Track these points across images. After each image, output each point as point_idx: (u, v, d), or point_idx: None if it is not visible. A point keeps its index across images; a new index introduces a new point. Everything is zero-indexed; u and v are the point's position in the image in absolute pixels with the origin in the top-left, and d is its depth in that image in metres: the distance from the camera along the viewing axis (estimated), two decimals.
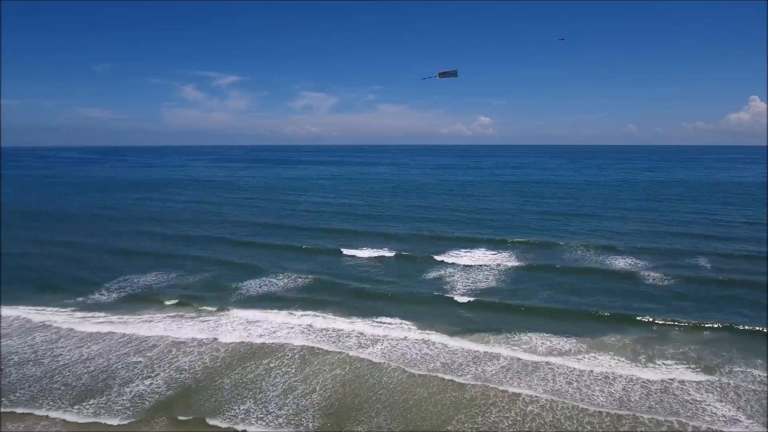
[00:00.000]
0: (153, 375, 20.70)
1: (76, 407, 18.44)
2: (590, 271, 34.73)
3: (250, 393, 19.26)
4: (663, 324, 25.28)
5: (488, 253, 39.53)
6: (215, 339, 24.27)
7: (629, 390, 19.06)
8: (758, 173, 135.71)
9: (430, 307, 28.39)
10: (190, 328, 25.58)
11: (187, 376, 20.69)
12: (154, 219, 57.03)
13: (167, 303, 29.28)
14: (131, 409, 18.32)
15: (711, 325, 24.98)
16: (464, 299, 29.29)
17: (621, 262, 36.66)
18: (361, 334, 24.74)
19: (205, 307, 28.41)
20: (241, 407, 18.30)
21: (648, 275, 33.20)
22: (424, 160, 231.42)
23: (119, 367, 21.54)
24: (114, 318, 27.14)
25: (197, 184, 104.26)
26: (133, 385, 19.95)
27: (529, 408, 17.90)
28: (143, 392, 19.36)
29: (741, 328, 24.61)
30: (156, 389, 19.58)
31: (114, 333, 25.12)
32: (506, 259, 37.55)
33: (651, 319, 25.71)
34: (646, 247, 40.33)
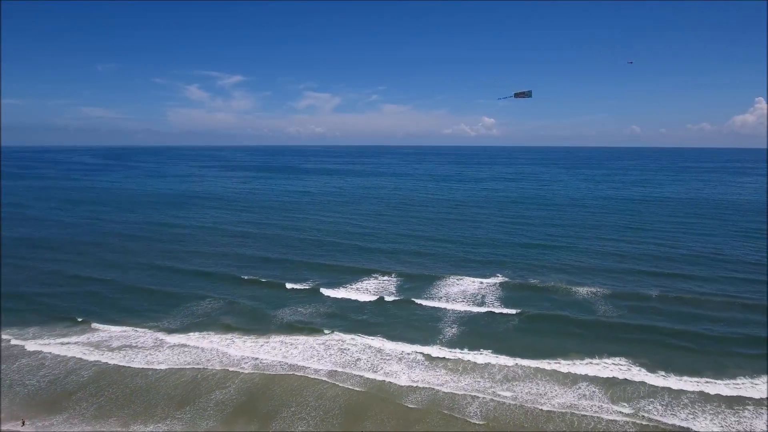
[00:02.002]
0: (226, 386, 29.92)
1: (179, 413, 27.58)
2: (552, 318, 40.41)
3: (294, 398, 28.65)
4: (601, 364, 32.58)
5: (468, 292, 46.28)
6: (257, 358, 33.66)
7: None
8: (755, 188, 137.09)
9: (416, 344, 35.88)
10: (240, 348, 34.99)
11: (251, 386, 30.12)
12: (171, 252, 62.50)
13: (219, 330, 38.64)
14: (218, 414, 27.52)
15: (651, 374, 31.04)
16: (442, 338, 37.50)
17: (583, 295, 44.85)
18: (361, 361, 34.41)
19: (247, 335, 37.90)
20: (289, 410, 27.57)
21: (605, 319, 39.64)
22: (424, 170, 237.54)
23: (200, 378, 30.78)
24: (183, 342, 36.54)
25: (208, 201, 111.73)
26: (214, 394, 29.14)
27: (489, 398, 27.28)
28: (223, 399, 28.64)
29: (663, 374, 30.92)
30: (231, 397, 28.94)
31: (189, 352, 34.64)
32: (484, 299, 44.47)
33: (595, 359, 33.01)
34: (608, 289, 45.81)
